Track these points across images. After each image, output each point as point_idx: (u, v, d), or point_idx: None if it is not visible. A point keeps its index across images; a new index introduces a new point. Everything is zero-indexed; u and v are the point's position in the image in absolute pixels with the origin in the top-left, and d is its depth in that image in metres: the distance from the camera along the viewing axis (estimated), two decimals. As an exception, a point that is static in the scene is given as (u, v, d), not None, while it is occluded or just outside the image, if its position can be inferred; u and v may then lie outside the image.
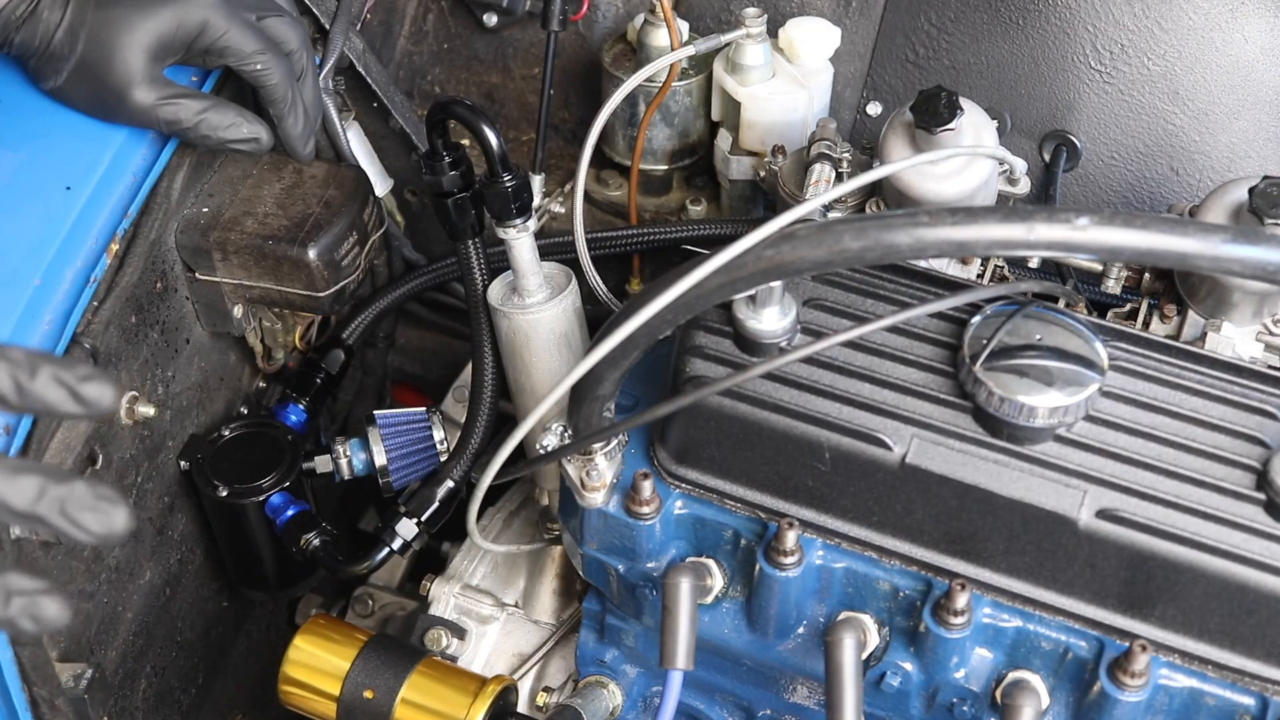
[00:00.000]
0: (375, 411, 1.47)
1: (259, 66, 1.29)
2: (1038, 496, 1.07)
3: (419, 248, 1.67)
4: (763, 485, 1.16)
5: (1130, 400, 1.09)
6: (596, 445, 1.17)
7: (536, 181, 1.60)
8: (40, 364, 0.77)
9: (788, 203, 1.38)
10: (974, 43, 1.58)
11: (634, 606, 1.26)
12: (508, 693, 1.34)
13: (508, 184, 1.30)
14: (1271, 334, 1.21)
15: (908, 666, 1.16)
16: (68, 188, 1.26)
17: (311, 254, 1.35)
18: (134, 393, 1.33)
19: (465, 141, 1.35)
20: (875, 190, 1.30)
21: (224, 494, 1.41)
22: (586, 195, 1.54)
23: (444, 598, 1.49)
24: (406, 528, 1.41)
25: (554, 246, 1.51)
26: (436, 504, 1.41)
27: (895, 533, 1.14)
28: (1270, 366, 1.15)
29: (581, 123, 1.72)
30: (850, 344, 1.11)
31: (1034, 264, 1.37)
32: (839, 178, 1.34)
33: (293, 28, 1.34)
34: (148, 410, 1.34)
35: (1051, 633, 1.12)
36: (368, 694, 1.31)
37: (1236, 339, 1.20)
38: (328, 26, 1.50)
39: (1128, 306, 1.27)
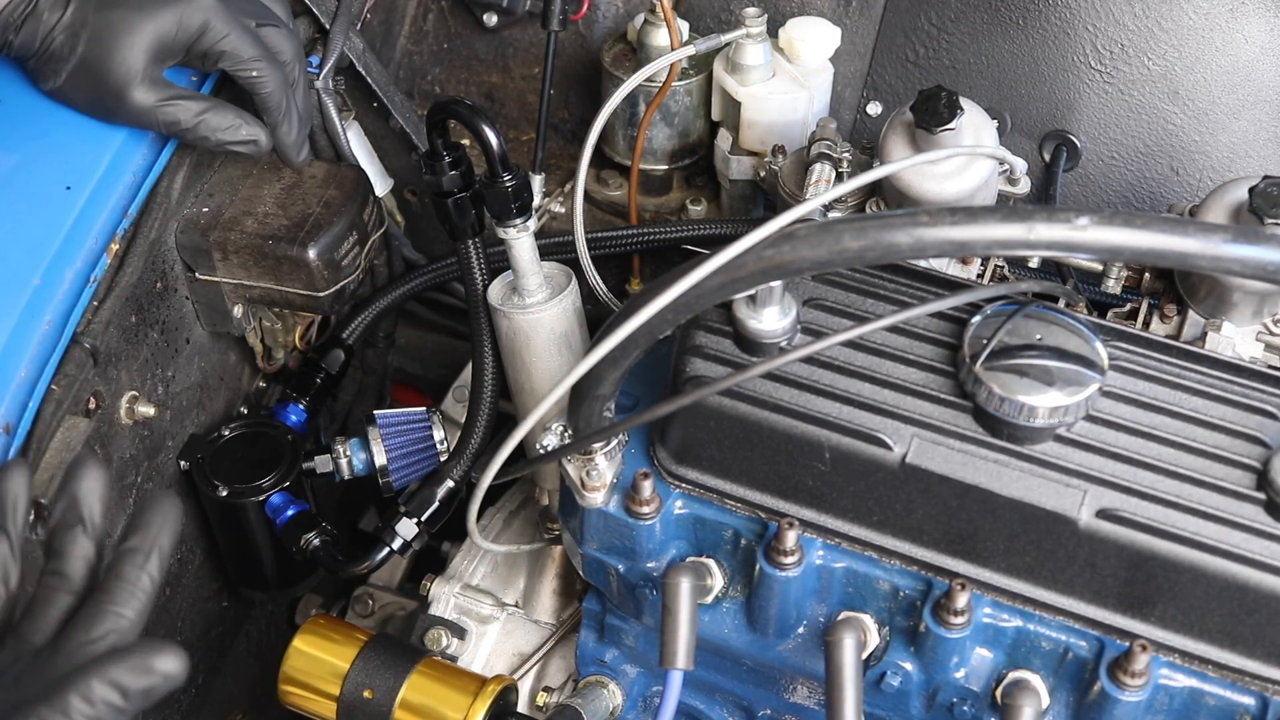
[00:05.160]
0: (375, 411, 1.47)
1: (255, 73, 1.29)
2: (1038, 496, 1.07)
3: (419, 248, 1.67)
4: (763, 485, 1.16)
5: (1130, 400, 1.09)
6: (596, 445, 1.17)
7: (536, 181, 1.61)
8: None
9: (788, 203, 1.38)
10: (974, 43, 1.59)
11: (634, 606, 1.26)
12: (508, 693, 1.34)
13: (508, 184, 1.30)
14: (1271, 334, 1.21)
15: (908, 666, 1.16)
16: (68, 188, 1.26)
17: (311, 254, 1.35)
18: (134, 393, 1.33)
19: (465, 141, 1.35)
20: (875, 190, 1.31)
21: (224, 494, 1.42)
22: (586, 195, 1.54)
23: (444, 598, 1.49)
24: (406, 528, 1.41)
25: (554, 246, 1.51)
26: (436, 504, 1.42)
27: (895, 533, 1.14)
28: (1270, 366, 1.15)
29: (581, 123, 1.72)
30: (850, 344, 1.11)
31: (1034, 264, 1.37)
32: (839, 178, 1.34)
33: (288, 38, 1.34)
34: (148, 410, 1.34)
35: (1051, 632, 1.12)
36: (367, 694, 1.31)
37: (1236, 339, 1.20)
38: (328, 26, 1.50)
39: (1128, 306, 1.27)
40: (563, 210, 1.65)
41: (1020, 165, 1.27)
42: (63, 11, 1.23)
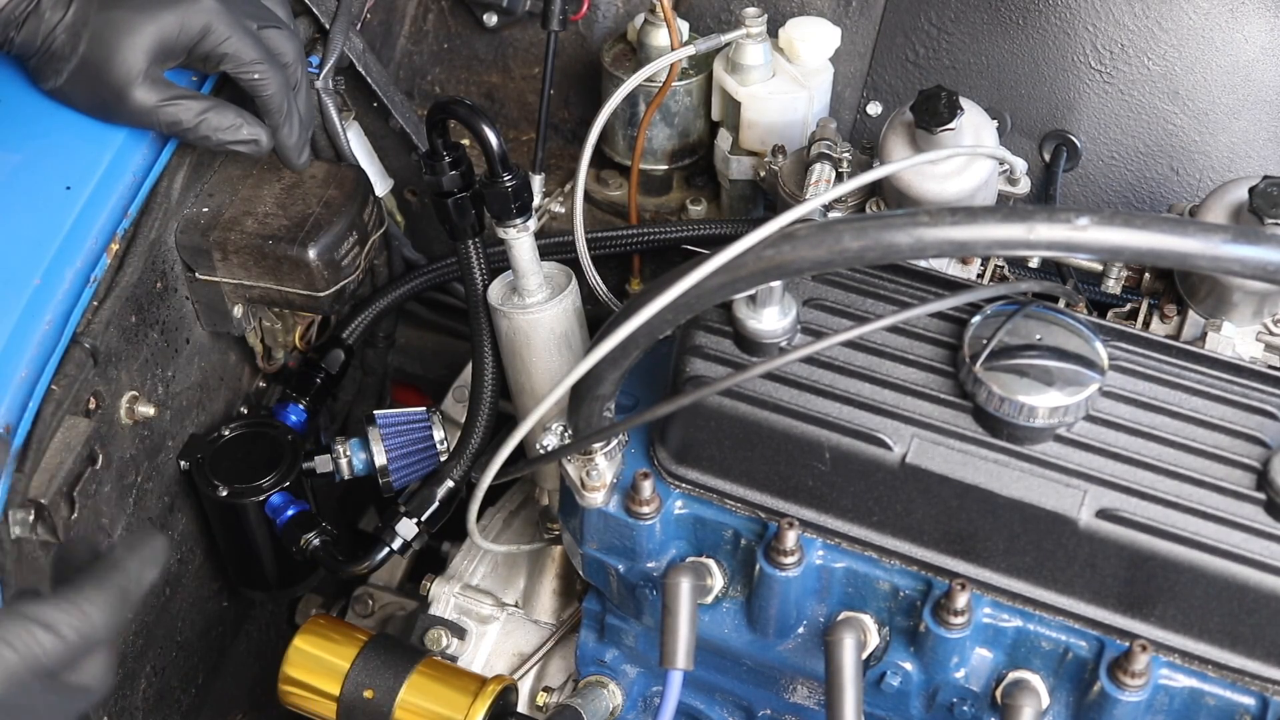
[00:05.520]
0: (375, 411, 1.47)
1: (257, 76, 1.29)
2: (1038, 496, 1.07)
3: (419, 248, 1.67)
4: (763, 485, 1.16)
5: (1130, 400, 1.09)
6: (596, 445, 1.17)
7: (536, 181, 1.61)
8: None
9: (788, 203, 1.38)
10: (974, 43, 1.59)
11: (634, 606, 1.26)
12: (508, 693, 1.34)
13: (508, 184, 1.30)
14: (1271, 334, 1.21)
15: (908, 666, 1.16)
16: (68, 188, 1.26)
17: (311, 254, 1.35)
18: (134, 393, 1.33)
19: (465, 141, 1.35)
20: (875, 190, 1.31)
21: (224, 494, 1.42)
22: (586, 195, 1.54)
23: (444, 598, 1.49)
24: (406, 528, 1.41)
25: (554, 246, 1.51)
26: (436, 504, 1.42)
27: (895, 533, 1.14)
28: (1270, 366, 1.15)
29: (581, 123, 1.72)
30: (850, 344, 1.11)
31: (1034, 264, 1.37)
32: (839, 178, 1.34)
33: (290, 40, 1.34)
34: (148, 410, 1.34)
35: (1051, 633, 1.12)
36: (368, 694, 1.31)
37: (1236, 339, 1.20)
38: (328, 26, 1.50)
39: (1128, 306, 1.27)
40: (563, 210, 1.65)
41: (1020, 165, 1.27)
42: (65, 11, 1.23)
